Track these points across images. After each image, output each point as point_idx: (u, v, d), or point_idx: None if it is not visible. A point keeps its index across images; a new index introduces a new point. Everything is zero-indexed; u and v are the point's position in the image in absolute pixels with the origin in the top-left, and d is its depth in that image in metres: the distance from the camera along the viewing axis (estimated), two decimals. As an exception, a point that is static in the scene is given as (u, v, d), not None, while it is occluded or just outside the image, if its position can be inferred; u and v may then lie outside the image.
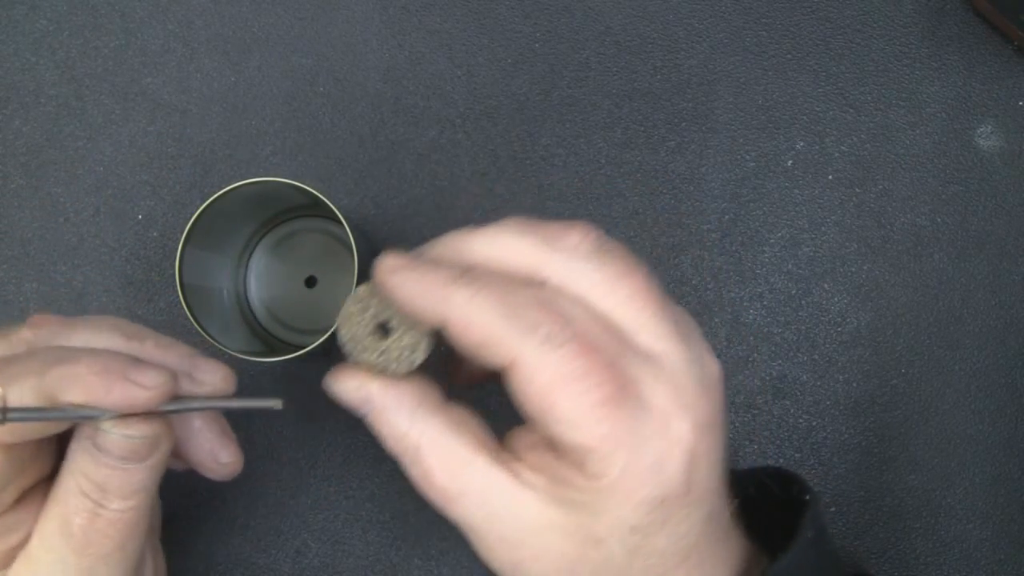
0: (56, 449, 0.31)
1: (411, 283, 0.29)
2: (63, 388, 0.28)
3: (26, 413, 0.27)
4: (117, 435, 0.28)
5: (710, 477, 0.29)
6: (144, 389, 0.28)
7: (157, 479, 0.30)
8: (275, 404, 0.31)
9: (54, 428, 0.29)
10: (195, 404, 0.31)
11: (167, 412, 0.30)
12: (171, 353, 0.32)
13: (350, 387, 0.30)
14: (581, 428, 0.27)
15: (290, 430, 0.44)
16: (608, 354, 0.27)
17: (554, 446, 0.28)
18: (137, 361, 0.29)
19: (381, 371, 0.31)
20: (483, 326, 0.27)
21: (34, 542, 0.30)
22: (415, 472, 0.29)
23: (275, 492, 0.43)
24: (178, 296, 0.37)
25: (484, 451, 0.29)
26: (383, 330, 0.31)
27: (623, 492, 0.27)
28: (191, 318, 0.37)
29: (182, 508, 0.43)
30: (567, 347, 0.27)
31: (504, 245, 0.30)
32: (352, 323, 0.31)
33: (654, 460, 0.27)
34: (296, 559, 0.43)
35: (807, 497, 0.33)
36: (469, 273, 0.28)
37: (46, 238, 0.45)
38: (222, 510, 0.43)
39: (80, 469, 0.29)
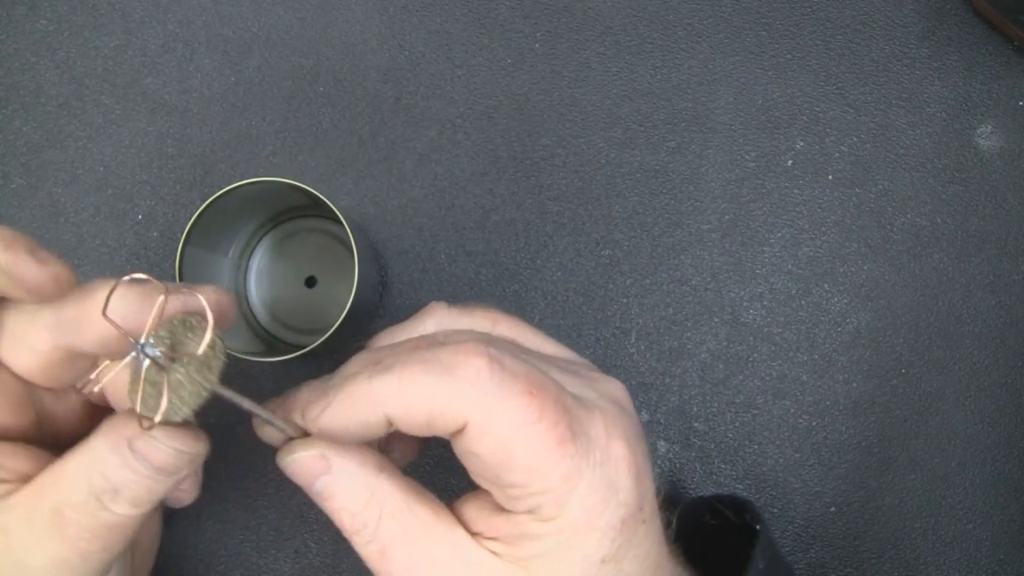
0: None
1: (336, 408, 0.27)
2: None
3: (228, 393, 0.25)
4: (166, 447, 0.27)
5: (652, 489, 0.29)
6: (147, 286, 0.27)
7: (170, 491, 0.29)
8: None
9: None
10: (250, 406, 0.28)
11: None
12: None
13: (309, 455, 0.28)
14: (542, 472, 0.26)
15: (290, 430, 0.44)
16: (551, 388, 0.27)
17: (501, 505, 0.27)
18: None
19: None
20: (424, 403, 0.26)
21: (11, 518, 0.27)
22: (373, 549, 0.28)
23: (275, 492, 0.43)
24: (178, 296, 0.37)
25: (447, 516, 0.28)
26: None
27: (585, 524, 0.27)
28: (191, 318, 0.37)
29: (182, 508, 0.43)
30: (515, 388, 0.26)
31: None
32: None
33: (608, 484, 0.27)
34: (296, 559, 0.43)
35: (758, 527, 0.33)
36: (382, 362, 0.27)
37: (46, 238, 0.45)
38: (222, 510, 0.43)
39: (100, 468, 0.27)
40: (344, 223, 0.37)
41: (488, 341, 0.28)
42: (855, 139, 0.45)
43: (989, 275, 0.45)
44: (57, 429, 0.32)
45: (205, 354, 0.26)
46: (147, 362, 0.26)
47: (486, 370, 0.26)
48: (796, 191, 0.45)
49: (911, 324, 0.44)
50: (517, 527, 0.27)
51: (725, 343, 0.44)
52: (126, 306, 0.27)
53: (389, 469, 0.29)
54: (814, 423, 0.44)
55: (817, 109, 0.45)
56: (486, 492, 0.28)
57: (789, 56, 0.46)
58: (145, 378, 0.26)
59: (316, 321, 0.44)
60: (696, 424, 0.44)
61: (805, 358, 0.44)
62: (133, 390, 0.27)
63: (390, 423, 0.27)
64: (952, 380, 0.44)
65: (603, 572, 0.27)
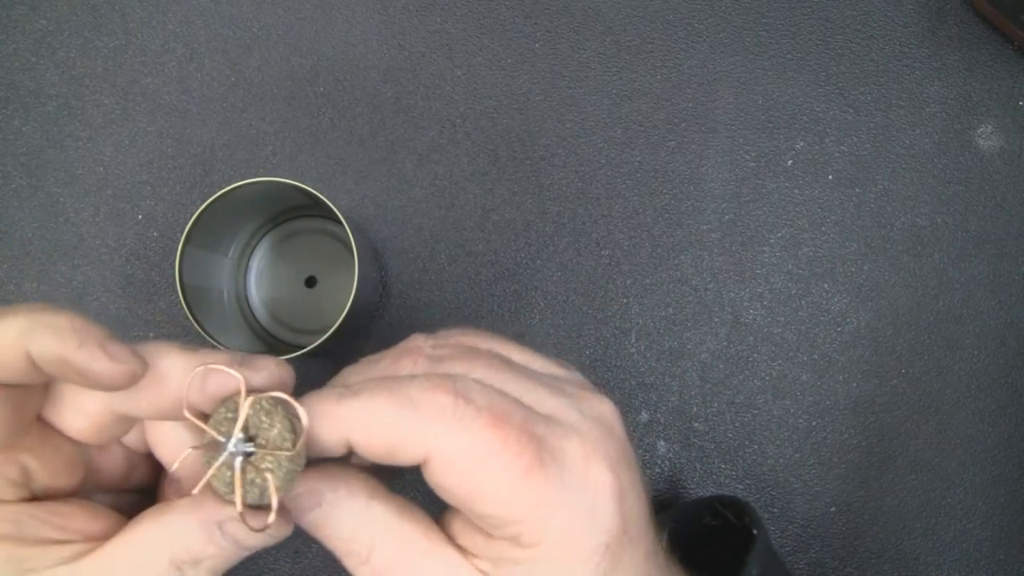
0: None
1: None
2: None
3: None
4: (256, 531, 0.27)
5: (640, 512, 0.28)
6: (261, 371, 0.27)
7: None
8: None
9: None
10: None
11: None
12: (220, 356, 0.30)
13: (300, 493, 0.28)
14: (509, 503, 0.26)
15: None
16: (516, 419, 0.26)
17: (483, 529, 0.27)
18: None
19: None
20: (385, 434, 0.26)
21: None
22: (366, 571, 0.28)
23: (275, 492, 0.43)
24: (178, 296, 0.37)
25: (438, 535, 0.28)
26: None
27: (566, 551, 0.26)
28: (191, 318, 0.37)
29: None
30: (477, 422, 0.26)
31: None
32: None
33: (587, 510, 0.27)
34: (296, 559, 0.43)
35: (755, 532, 0.33)
36: (353, 385, 0.27)
37: (46, 238, 0.45)
38: (222, 510, 0.43)
39: (184, 542, 0.27)
40: (344, 223, 0.37)
41: (457, 377, 0.27)
42: (855, 139, 0.45)
43: (989, 275, 0.45)
44: (100, 478, 0.32)
45: (285, 436, 0.26)
46: (236, 455, 0.26)
47: (450, 407, 0.26)
48: (796, 191, 0.45)
49: (911, 324, 0.44)
50: (500, 551, 0.27)
51: (725, 343, 0.44)
52: (185, 377, 0.26)
53: (381, 493, 0.28)
54: (814, 423, 0.44)
55: (817, 109, 0.45)
56: None
57: (789, 56, 0.46)
58: (227, 465, 0.26)
59: (316, 321, 0.44)
60: (696, 424, 0.44)
61: (805, 358, 0.44)
62: (217, 476, 0.27)
63: (349, 446, 0.27)
64: (952, 380, 0.44)
65: None
